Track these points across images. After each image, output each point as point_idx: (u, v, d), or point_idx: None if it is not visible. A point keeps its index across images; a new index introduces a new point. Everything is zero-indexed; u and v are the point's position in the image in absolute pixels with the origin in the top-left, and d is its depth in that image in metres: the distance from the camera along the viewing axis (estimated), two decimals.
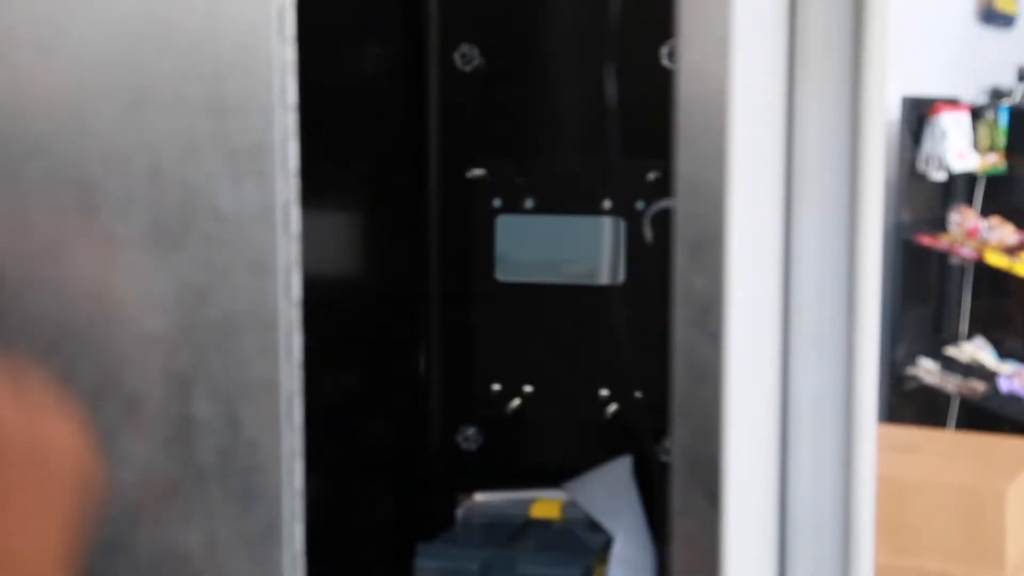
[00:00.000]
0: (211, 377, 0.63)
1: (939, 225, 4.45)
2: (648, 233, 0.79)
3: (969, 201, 4.52)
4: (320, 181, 0.68)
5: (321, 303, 0.67)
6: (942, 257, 4.45)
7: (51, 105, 0.63)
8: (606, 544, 0.74)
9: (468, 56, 0.81)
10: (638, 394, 0.77)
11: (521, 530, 0.77)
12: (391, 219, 0.82)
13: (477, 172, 0.81)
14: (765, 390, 0.66)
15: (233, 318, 0.63)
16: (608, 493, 0.77)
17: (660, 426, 0.59)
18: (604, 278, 0.78)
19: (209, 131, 0.62)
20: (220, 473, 0.64)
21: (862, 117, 0.68)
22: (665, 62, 0.77)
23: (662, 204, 0.77)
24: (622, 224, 0.79)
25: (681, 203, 0.57)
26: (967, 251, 4.33)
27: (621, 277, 0.79)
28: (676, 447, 0.58)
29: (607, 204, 0.78)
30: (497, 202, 0.81)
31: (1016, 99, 4.60)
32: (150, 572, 0.64)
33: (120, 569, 0.64)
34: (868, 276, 0.69)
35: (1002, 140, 4.42)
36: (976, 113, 4.41)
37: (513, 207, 0.81)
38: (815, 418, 0.69)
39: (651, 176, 0.78)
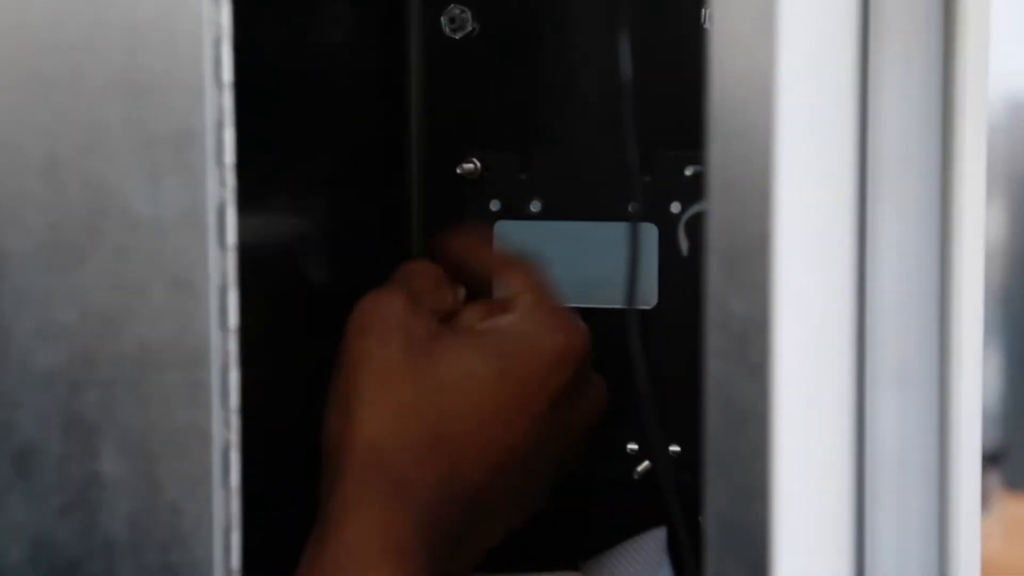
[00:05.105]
0: (122, 425, 0.55)
1: None
2: (684, 243, 0.71)
3: None
4: (266, 178, 0.62)
5: (270, 331, 0.62)
6: None
7: None
8: None
9: (458, 20, 0.74)
10: (674, 448, 0.71)
11: None
12: (361, 226, 0.76)
13: (469, 167, 0.74)
14: (829, 439, 0.58)
15: (151, 351, 0.55)
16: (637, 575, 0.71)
17: (701, 488, 0.51)
18: (630, 300, 0.67)
19: (118, 115, 0.54)
20: (132, 546, 0.55)
21: (957, 96, 0.61)
22: (708, 25, 0.67)
23: (701, 206, 0.70)
24: (653, 232, 0.72)
25: (714, 205, 0.50)
26: None
27: (653, 299, 0.72)
28: (709, 511, 0.51)
29: (633, 207, 0.68)
30: (495, 204, 0.74)
31: None
32: None
33: None
34: (967, 294, 0.61)
35: None
36: None
37: (515, 211, 0.74)
38: (899, 475, 0.62)
39: (689, 171, 0.70)
